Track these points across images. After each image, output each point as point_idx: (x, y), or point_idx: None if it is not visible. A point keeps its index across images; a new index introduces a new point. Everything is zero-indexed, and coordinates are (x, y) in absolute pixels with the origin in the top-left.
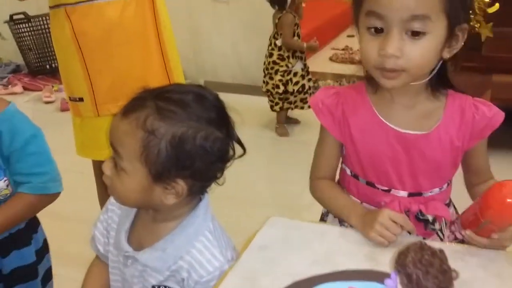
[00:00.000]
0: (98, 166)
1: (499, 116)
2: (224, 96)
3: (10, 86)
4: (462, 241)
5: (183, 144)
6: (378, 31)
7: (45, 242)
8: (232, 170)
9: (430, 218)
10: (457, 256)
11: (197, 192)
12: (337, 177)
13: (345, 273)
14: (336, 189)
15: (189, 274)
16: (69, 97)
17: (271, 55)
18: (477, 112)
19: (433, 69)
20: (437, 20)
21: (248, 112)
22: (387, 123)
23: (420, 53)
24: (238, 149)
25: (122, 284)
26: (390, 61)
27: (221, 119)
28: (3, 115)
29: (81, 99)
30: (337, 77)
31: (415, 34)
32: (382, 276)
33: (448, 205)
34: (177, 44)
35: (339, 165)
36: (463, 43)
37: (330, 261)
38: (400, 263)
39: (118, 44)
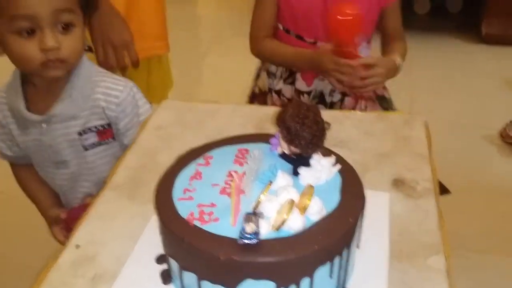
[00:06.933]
0: None
1: None
2: None
3: None
4: None
5: None
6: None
7: None
8: None
9: None
10: (335, 120)
11: None
12: None
13: (234, 138)
14: (281, 44)
15: (106, 102)
16: None
17: None
18: None
19: None
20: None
21: None
22: None
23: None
24: None
25: (41, 160)
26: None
27: None
28: None
29: None
30: None
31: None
32: (267, 137)
33: None
34: None
35: None
36: None
37: (222, 134)
38: (280, 119)
39: None
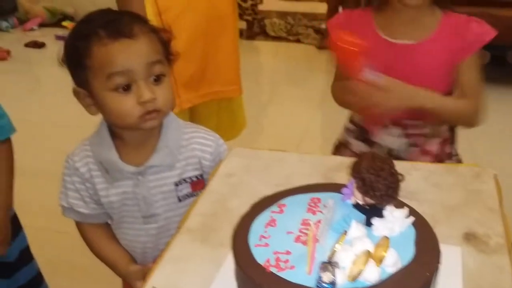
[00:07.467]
0: None
1: (489, 32)
2: None
3: None
4: None
5: None
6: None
7: None
8: None
9: None
10: (404, 171)
11: None
12: None
13: (306, 187)
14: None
15: (202, 152)
16: None
17: None
18: (467, 27)
19: None
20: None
21: None
22: (383, 35)
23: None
24: None
25: (127, 215)
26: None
27: None
28: None
29: None
30: (282, 15)
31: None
32: (339, 187)
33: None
34: None
35: None
36: None
37: (290, 183)
38: (355, 170)
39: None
